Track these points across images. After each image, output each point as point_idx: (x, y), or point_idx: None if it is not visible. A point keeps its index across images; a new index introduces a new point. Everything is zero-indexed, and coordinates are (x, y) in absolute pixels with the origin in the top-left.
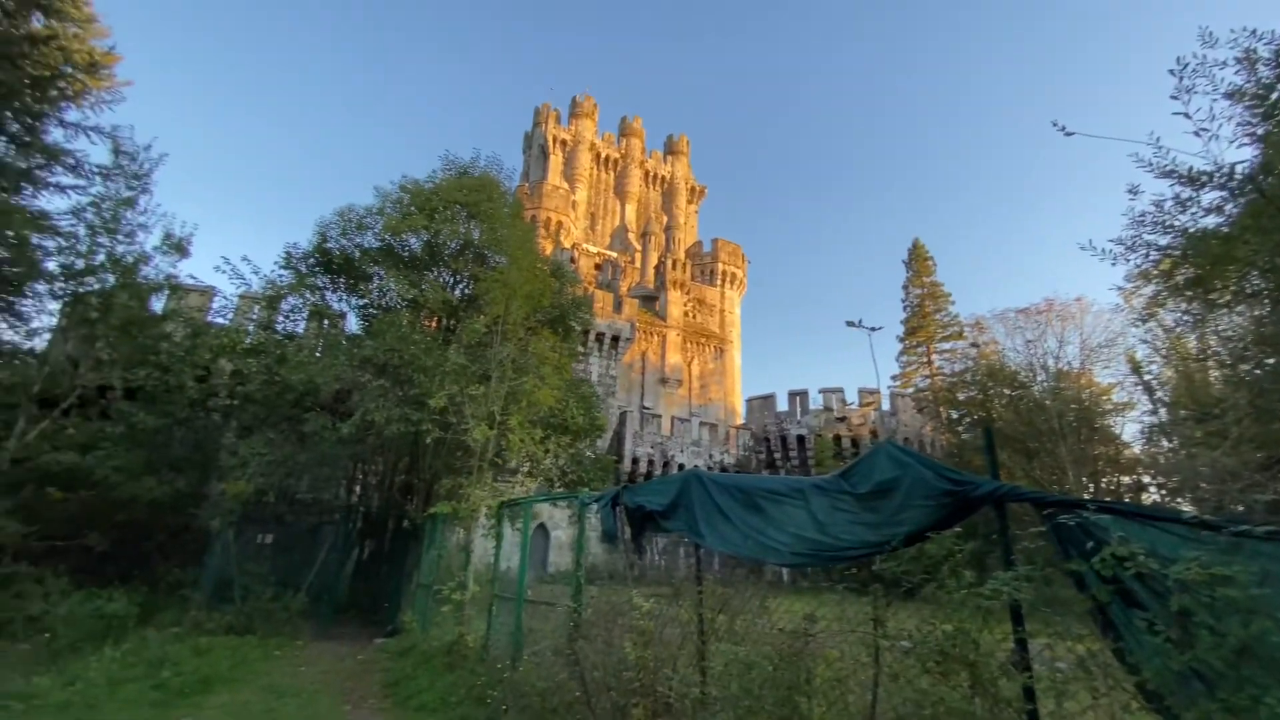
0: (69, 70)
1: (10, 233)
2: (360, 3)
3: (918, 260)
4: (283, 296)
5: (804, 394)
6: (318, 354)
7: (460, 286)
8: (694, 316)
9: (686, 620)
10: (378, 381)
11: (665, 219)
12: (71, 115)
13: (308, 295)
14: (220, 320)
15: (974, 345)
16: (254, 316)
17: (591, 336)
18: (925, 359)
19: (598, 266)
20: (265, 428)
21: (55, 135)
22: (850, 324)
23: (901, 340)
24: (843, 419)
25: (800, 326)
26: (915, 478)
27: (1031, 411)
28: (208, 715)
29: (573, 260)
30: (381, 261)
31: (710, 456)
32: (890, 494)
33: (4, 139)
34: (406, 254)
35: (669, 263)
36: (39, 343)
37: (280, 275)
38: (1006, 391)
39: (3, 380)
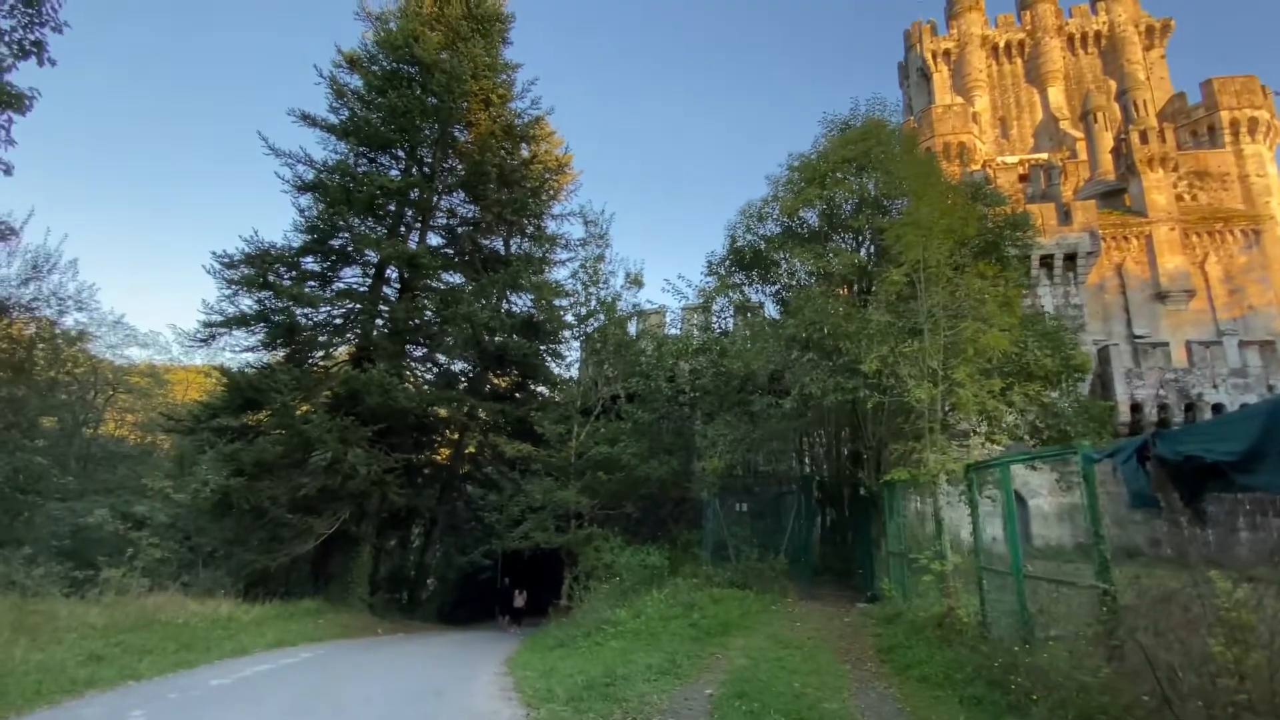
0: (548, 177)
1: (544, 301)
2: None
3: None
4: (713, 300)
5: None
6: (747, 344)
7: (865, 246)
8: (1193, 197)
9: None
10: (806, 356)
11: (1112, 85)
12: (555, 209)
13: (730, 295)
14: (673, 331)
15: None
16: (695, 323)
17: (1035, 262)
18: None
19: (1023, 178)
20: (722, 412)
21: (551, 226)
22: None
23: None
24: None
25: None
26: None
27: None
28: (732, 653)
29: (987, 181)
30: (783, 245)
31: (1270, 388)
32: None
33: (527, 239)
34: (805, 230)
35: (1134, 137)
36: (573, 372)
37: (707, 282)
38: None
39: (562, 401)
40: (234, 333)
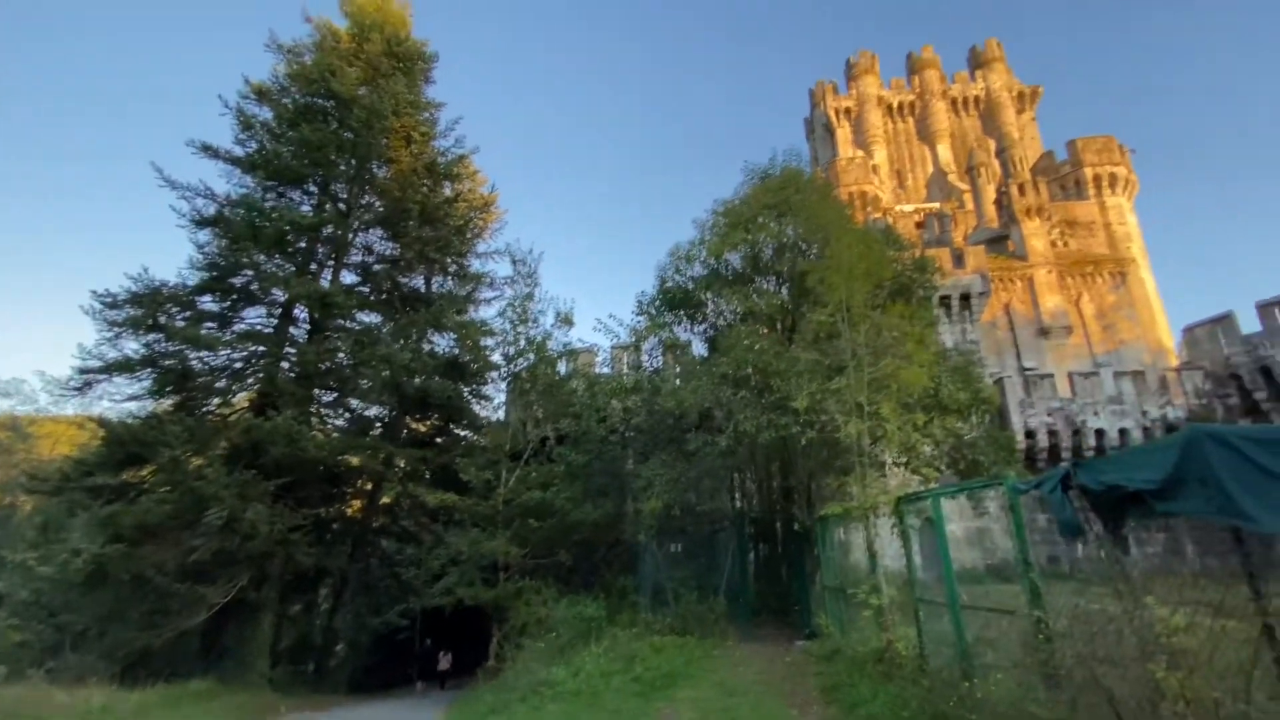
0: (473, 215)
1: (469, 341)
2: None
3: None
4: (644, 339)
5: None
6: (677, 382)
7: (786, 287)
8: (1065, 244)
9: (1244, 638)
10: (739, 394)
11: (991, 144)
12: (480, 247)
13: (661, 334)
14: (604, 370)
15: None
16: (627, 362)
17: (934, 303)
18: None
19: (919, 225)
20: (657, 451)
21: (475, 265)
22: None
23: None
24: None
25: (1234, 227)
26: None
27: None
28: (679, 707)
29: (890, 228)
30: (710, 286)
31: (1143, 414)
32: None
33: (450, 277)
34: (729, 273)
35: (1013, 190)
36: (499, 415)
37: (638, 321)
38: None
39: (489, 445)
40: (115, 379)
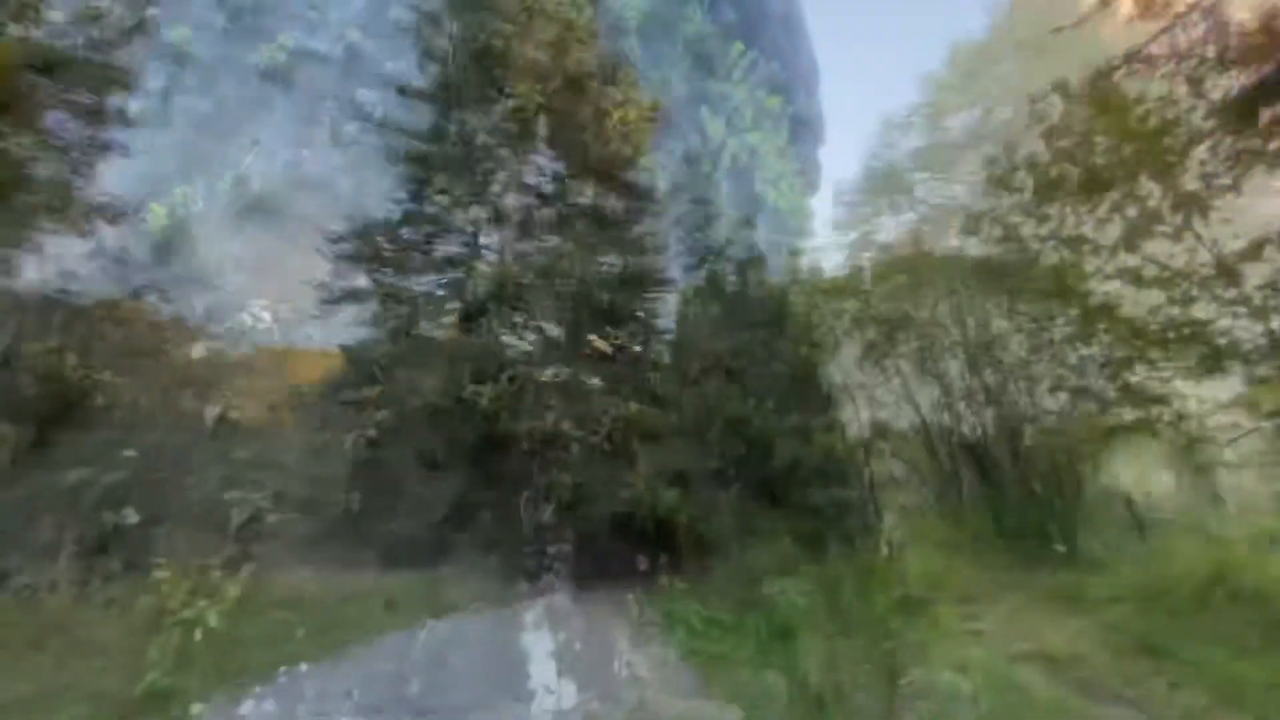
0: (634, 126)
1: (643, 255)
2: None
3: None
4: None
5: None
6: None
7: None
8: None
9: None
10: None
11: None
12: (644, 161)
13: None
14: None
15: None
16: None
17: None
18: None
19: None
20: None
21: (642, 178)
22: None
23: None
24: None
25: None
26: None
27: None
28: None
29: None
30: None
31: None
32: None
33: (617, 192)
34: None
35: None
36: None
37: None
38: None
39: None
40: (344, 308)
